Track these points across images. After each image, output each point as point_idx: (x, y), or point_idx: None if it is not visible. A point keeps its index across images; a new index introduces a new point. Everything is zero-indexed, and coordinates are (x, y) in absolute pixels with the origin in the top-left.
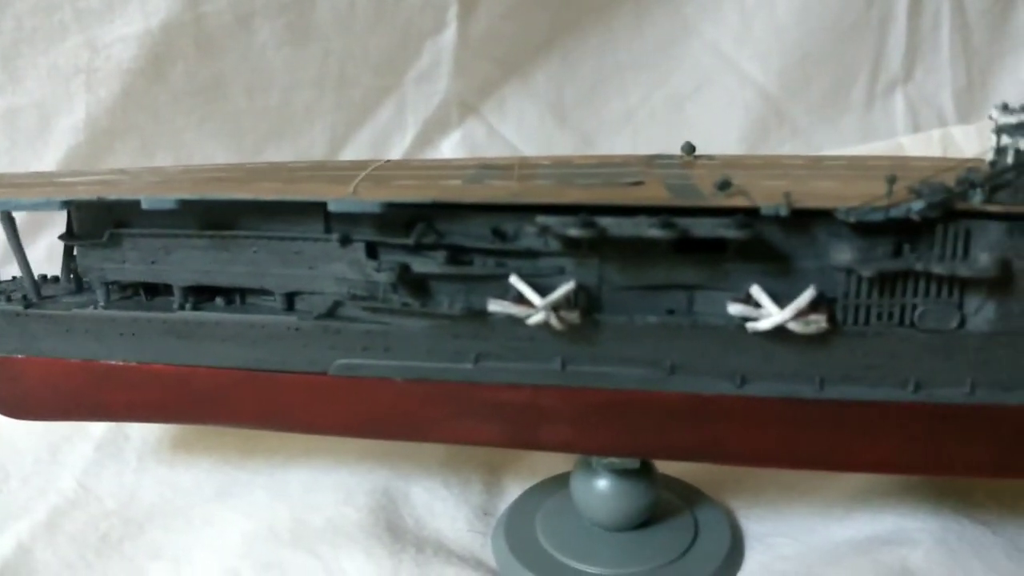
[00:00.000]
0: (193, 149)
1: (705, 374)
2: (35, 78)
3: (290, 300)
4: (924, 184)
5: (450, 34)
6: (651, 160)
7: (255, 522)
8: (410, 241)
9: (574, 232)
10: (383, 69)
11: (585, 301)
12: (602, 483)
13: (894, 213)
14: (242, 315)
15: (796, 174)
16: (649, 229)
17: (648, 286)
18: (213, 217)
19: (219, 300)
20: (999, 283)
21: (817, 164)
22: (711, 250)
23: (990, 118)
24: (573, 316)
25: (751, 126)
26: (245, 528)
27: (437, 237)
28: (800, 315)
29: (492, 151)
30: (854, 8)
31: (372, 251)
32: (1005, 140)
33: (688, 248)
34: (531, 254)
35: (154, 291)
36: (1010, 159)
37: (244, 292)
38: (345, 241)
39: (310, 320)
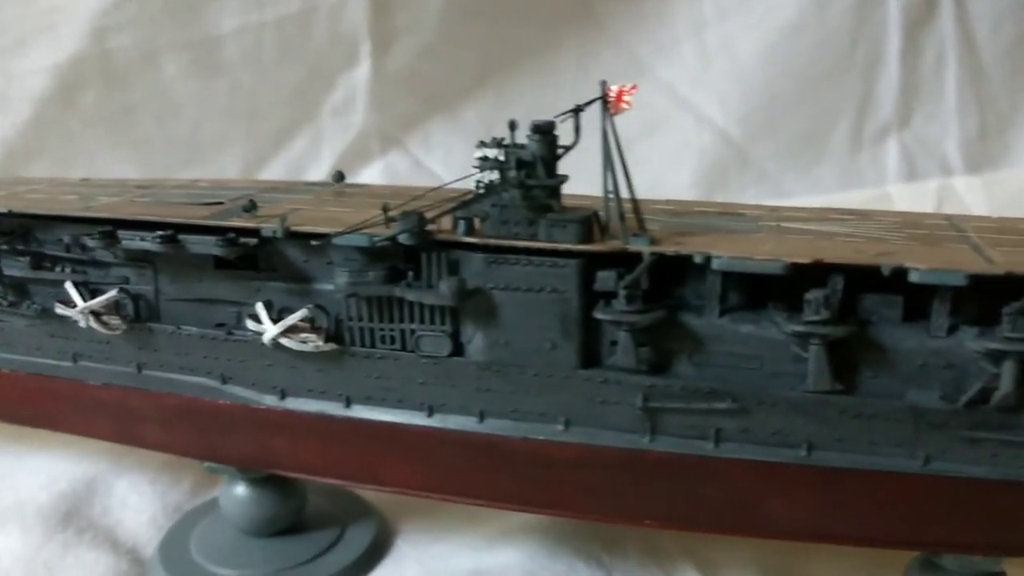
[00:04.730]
0: (106, 170)
1: (252, 386)
2: None
3: None
4: (403, 213)
5: (364, 70)
6: (294, 186)
7: None
8: None
9: (90, 243)
10: (295, 102)
11: (147, 310)
12: (238, 489)
13: (377, 240)
14: None
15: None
16: (151, 244)
17: (197, 299)
18: None
19: None
20: (481, 313)
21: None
22: (244, 268)
23: None
24: (116, 322)
25: (708, 169)
26: None
27: (38, 244)
28: (293, 332)
29: (417, 182)
30: (833, 51)
31: None
32: (480, 174)
33: (225, 265)
34: (103, 264)
35: None
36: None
37: None
38: None
39: None
